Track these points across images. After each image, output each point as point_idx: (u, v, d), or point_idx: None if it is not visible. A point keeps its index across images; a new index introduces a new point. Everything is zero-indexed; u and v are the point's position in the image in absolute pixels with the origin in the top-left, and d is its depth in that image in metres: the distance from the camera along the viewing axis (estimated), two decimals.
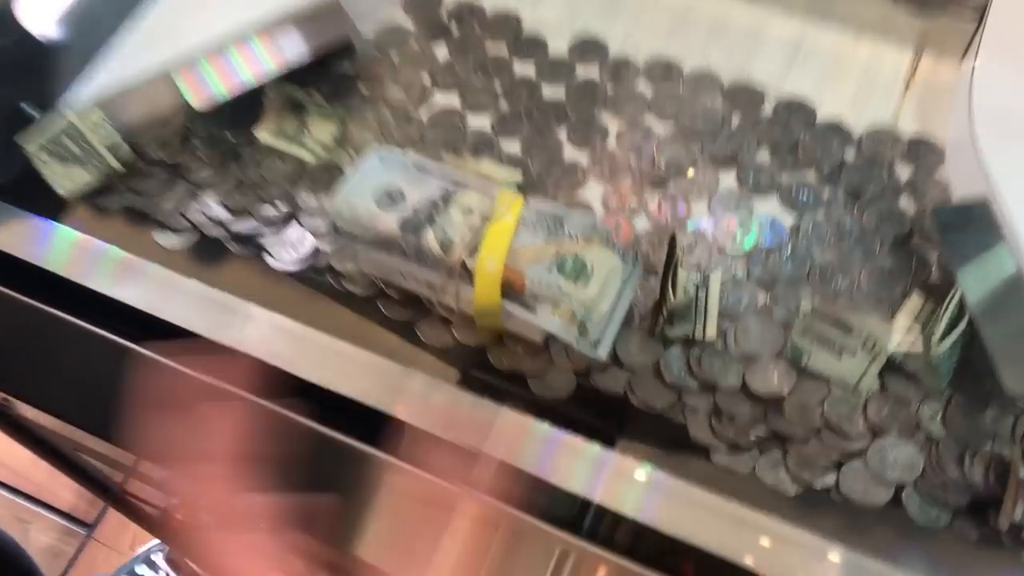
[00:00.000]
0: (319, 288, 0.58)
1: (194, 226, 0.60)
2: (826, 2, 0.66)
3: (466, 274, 0.52)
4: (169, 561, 1.32)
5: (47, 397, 0.58)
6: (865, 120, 0.62)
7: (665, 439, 0.52)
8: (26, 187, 0.60)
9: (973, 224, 0.54)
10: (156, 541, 1.33)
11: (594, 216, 0.54)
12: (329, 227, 0.54)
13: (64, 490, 1.44)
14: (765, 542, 0.46)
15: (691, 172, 0.60)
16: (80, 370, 0.57)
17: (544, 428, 0.50)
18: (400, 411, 0.51)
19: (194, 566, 1.20)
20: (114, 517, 1.44)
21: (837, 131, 0.62)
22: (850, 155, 0.61)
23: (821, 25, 0.67)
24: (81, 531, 1.44)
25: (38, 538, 1.43)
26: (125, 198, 0.62)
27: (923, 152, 0.61)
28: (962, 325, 0.51)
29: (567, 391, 0.53)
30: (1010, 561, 0.48)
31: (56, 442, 0.77)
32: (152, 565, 1.32)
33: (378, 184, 0.54)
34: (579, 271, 0.51)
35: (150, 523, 0.88)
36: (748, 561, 0.45)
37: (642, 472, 0.48)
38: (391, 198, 0.54)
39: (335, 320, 0.57)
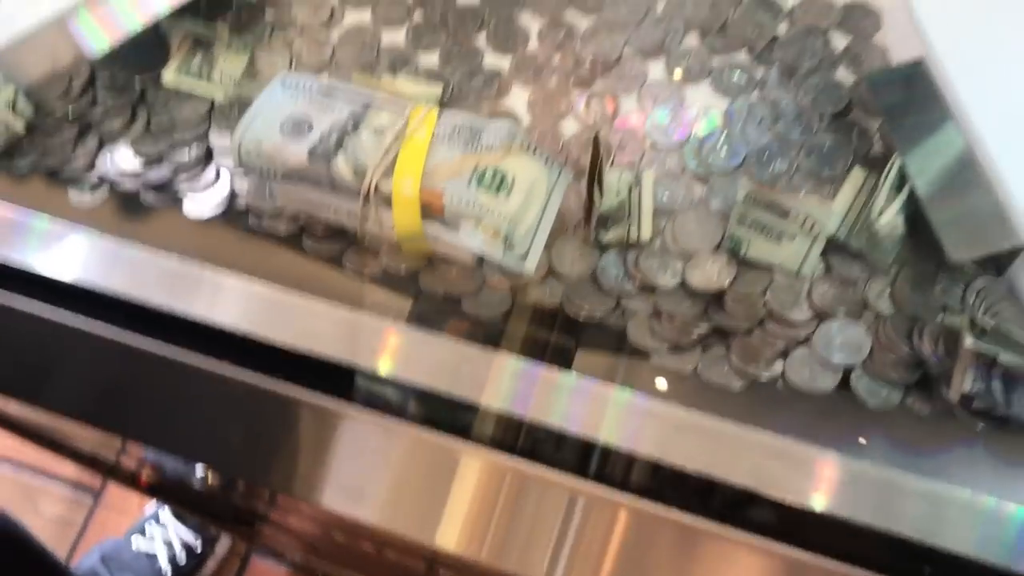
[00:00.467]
0: (242, 231, 0.56)
1: (107, 181, 0.58)
2: None
3: (383, 198, 0.50)
4: (176, 515, 1.33)
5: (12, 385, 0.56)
6: None
7: (607, 347, 0.51)
8: None
9: (910, 87, 0.51)
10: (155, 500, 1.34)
11: (513, 124, 0.51)
12: (236, 164, 0.52)
13: (68, 460, 1.45)
14: (713, 445, 0.45)
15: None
16: (26, 349, 0.55)
17: (470, 350, 0.48)
18: (340, 352, 0.49)
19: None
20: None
21: (766, 5, 0.58)
22: (782, 29, 0.58)
23: None
24: (88, 499, 1.45)
25: (47, 509, 1.44)
26: (34, 158, 0.59)
27: (858, 17, 0.58)
28: (903, 195, 0.49)
29: (502, 309, 0.51)
30: (964, 432, 0.46)
31: (39, 429, 0.76)
32: (159, 521, 1.34)
33: (283, 113, 0.52)
34: (499, 183, 0.49)
35: (138, 485, 0.88)
36: (696, 467, 0.44)
37: (567, 381, 0.46)
38: (297, 127, 0.51)
39: (262, 263, 0.55)
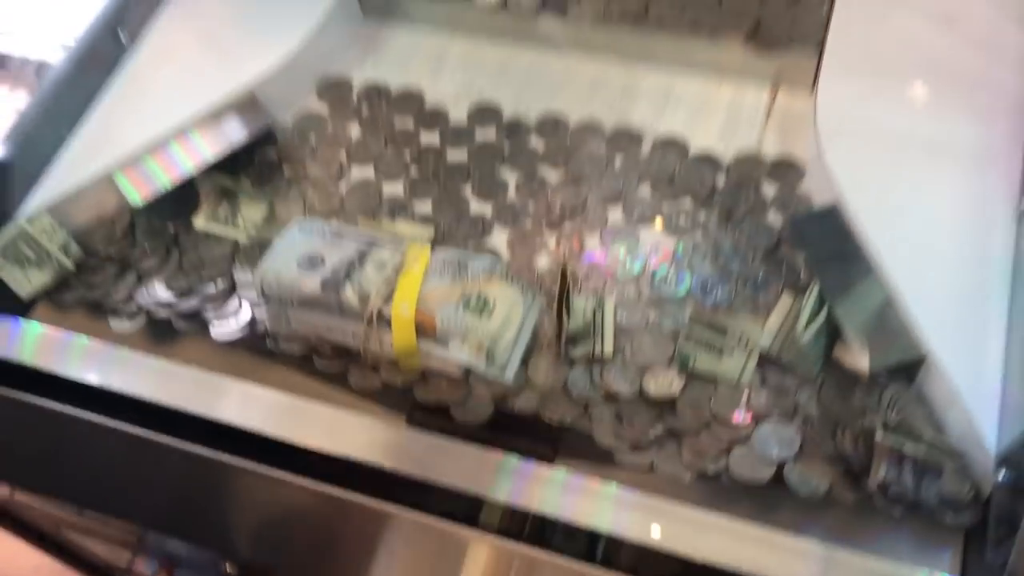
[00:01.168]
0: (261, 352, 0.65)
1: (144, 310, 0.67)
2: (687, 52, 0.73)
3: (384, 321, 0.59)
4: None
5: (43, 482, 0.63)
6: (733, 149, 0.70)
7: (577, 448, 0.58)
8: None
9: (825, 226, 0.62)
10: None
11: (495, 258, 0.61)
12: (256, 294, 0.61)
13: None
14: (666, 523, 0.52)
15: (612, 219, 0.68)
16: (69, 451, 0.62)
17: (466, 448, 0.56)
18: (347, 451, 0.57)
19: None
20: None
21: (708, 161, 0.70)
22: (721, 181, 0.69)
23: (686, 75, 0.74)
24: None
25: None
26: (80, 292, 0.68)
27: (785, 171, 0.69)
28: (822, 315, 0.58)
29: (486, 415, 0.59)
30: (884, 518, 0.54)
31: (59, 532, 0.82)
32: None
33: (300, 252, 0.61)
34: (483, 307, 0.58)
35: None
36: (653, 538, 0.51)
37: (556, 475, 0.54)
38: (312, 263, 0.60)
39: (278, 379, 0.63)
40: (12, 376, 0.63)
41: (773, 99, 0.72)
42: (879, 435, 0.53)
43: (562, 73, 0.76)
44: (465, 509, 0.54)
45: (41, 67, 0.77)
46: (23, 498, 0.79)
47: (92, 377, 0.62)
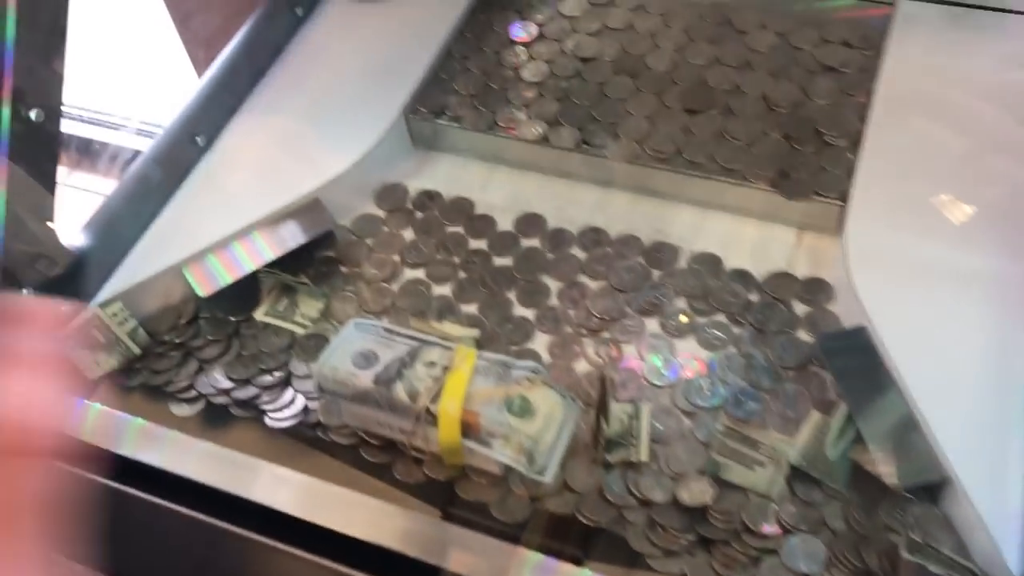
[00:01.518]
0: (311, 441, 0.68)
1: (203, 396, 0.71)
2: (717, 194, 0.77)
3: (431, 418, 0.62)
4: None
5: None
6: (765, 268, 0.74)
7: (610, 550, 0.61)
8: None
9: (854, 347, 0.65)
10: None
11: (537, 364, 0.64)
12: (315, 387, 0.65)
13: None
14: None
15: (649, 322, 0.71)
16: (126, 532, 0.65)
17: (501, 546, 0.58)
18: (387, 542, 0.59)
19: None
20: None
21: (742, 278, 0.73)
22: (755, 297, 0.72)
23: (716, 213, 0.78)
24: None
25: None
26: (144, 377, 0.72)
27: (816, 290, 0.72)
28: (850, 433, 0.61)
29: (523, 515, 0.62)
30: None
31: None
32: None
33: (355, 348, 0.65)
34: (525, 409, 0.61)
35: None
36: None
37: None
38: (366, 359, 0.64)
39: (326, 468, 0.67)
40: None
41: (799, 239, 0.76)
42: (904, 553, 0.55)
43: (601, 199, 0.81)
44: None
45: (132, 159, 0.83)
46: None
47: (144, 456, 0.65)
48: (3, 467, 0.33)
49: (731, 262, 0.75)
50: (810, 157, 0.76)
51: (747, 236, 0.76)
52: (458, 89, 0.86)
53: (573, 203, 0.80)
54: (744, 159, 0.76)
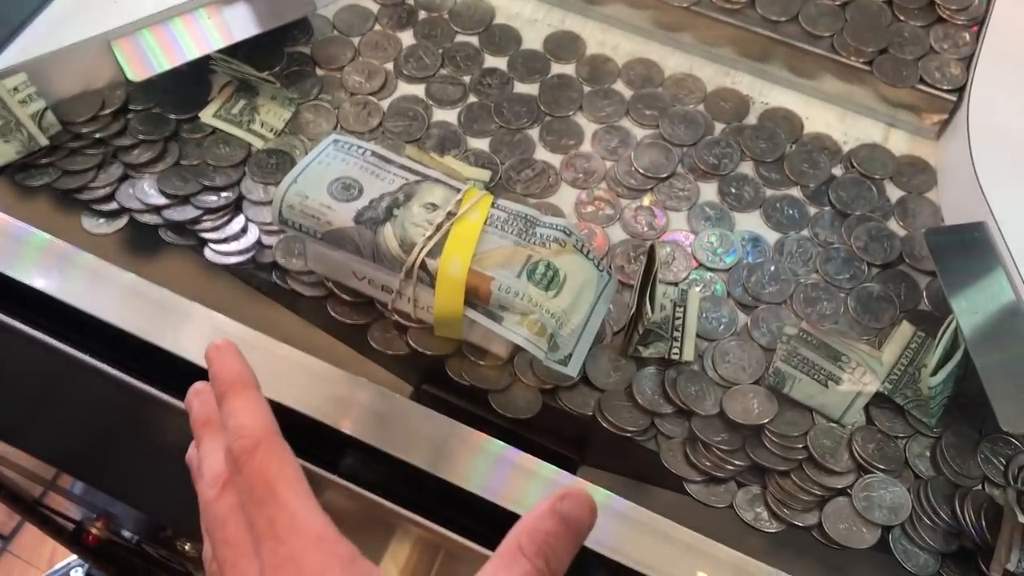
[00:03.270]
0: (261, 285, 0.53)
1: (127, 211, 0.55)
2: (790, 63, 0.62)
3: (426, 276, 0.47)
4: None
5: None
6: (854, 136, 0.59)
7: (634, 466, 0.48)
8: None
9: (969, 249, 0.51)
10: (75, 556, 1.25)
11: (569, 222, 0.49)
12: (275, 217, 0.49)
13: None
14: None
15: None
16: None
17: (502, 447, 0.45)
18: (347, 425, 0.46)
19: None
20: (32, 529, 1.35)
21: (825, 145, 0.59)
22: (838, 171, 0.58)
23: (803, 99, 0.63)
24: None
25: None
26: (51, 176, 0.56)
27: (914, 172, 0.58)
28: (957, 357, 0.48)
29: (532, 410, 0.49)
30: None
31: None
32: None
33: (333, 173, 0.49)
34: (551, 279, 0.47)
35: (67, 538, 0.81)
36: None
37: (599, 496, 0.44)
38: (347, 189, 0.49)
39: (278, 321, 0.52)
40: None
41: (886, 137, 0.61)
42: (1019, 515, 0.43)
43: (659, 33, 0.64)
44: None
45: None
46: None
47: (42, 281, 0.50)
48: None
49: (813, 125, 0.60)
50: (919, 34, 0.60)
51: (835, 101, 0.61)
52: None
53: (621, 26, 0.63)
54: (833, 25, 0.60)
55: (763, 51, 0.61)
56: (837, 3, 0.61)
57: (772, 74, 0.62)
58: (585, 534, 0.33)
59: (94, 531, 0.68)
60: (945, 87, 0.58)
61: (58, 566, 1.26)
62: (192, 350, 0.47)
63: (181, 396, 0.42)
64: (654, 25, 0.63)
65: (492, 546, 0.33)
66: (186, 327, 0.48)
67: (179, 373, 0.45)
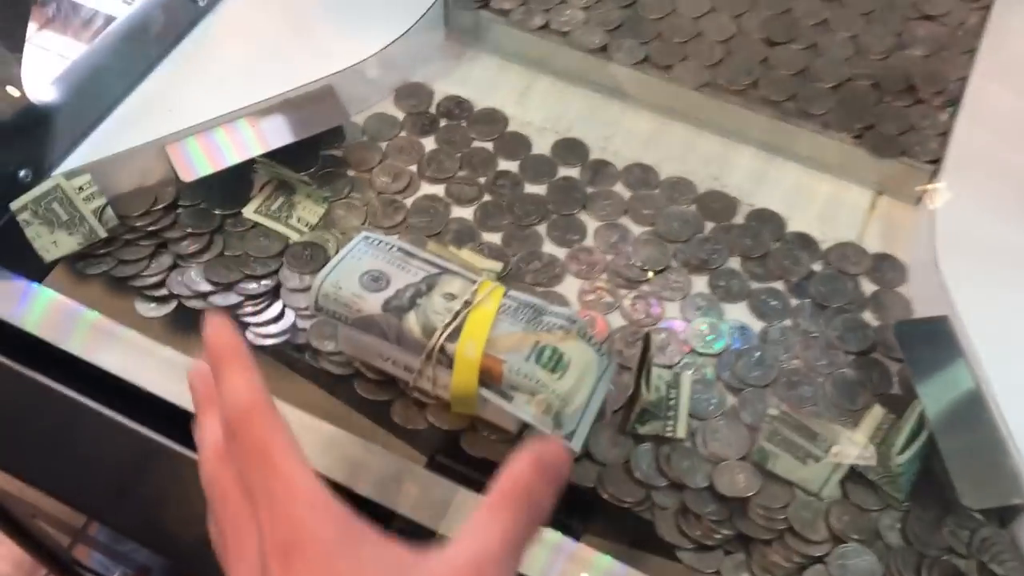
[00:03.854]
0: (295, 365, 0.59)
1: (176, 296, 0.61)
2: (788, 140, 0.69)
3: (444, 359, 0.53)
4: None
5: (13, 458, 0.57)
6: (832, 236, 0.65)
7: (631, 535, 0.53)
8: (11, 249, 0.60)
9: (934, 340, 0.56)
10: None
11: (574, 312, 0.55)
12: (311, 305, 0.55)
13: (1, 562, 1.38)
14: None
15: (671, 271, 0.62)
16: (51, 432, 0.56)
17: None
18: (365, 489, 0.51)
19: None
20: None
21: (806, 243, 0.65)
22: (817, 267, 0.64)
23: (780, 164, 0.69)
24: None
25: None
26: (108, 265, 0.62)
27: (886, 269, 0.64)
28: (922, 438, 0.53)
29: None
30: None
31: (10, 506, 0.75)
32: None
33: (364, 266, 0.55)
34: (556, 362, 0.52)
35: None
36: None
37: (602, 562, 0.48)
38: (376, 280, 0.55)
39: (309, 397, 0.57)
40: (13, 344, 0.56)
41: (875, 203, 0.67)
42: None
43: (656, 131, 0.71)
44: None
45: (108, 21, 0.71)
46: None
47: (97, 356, 0.55)
48: None
49: (795, 224, 0.66)
50: (901, 112, 0.67)
51: (816, 195, 0.67)
52: None
53: (622, 132, 0.71)
54: (826, 104, 0.67)
55: (752, 125, 0.68)
56: (829, 85, 0.69)
57: (765, 145, 0.69)
58: (563, 481, 0.36)
59: None
60: (925, 159, 0.65)
61: None
62: None
63: None
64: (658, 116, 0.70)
65: None
66: None
67: None
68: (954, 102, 0.67)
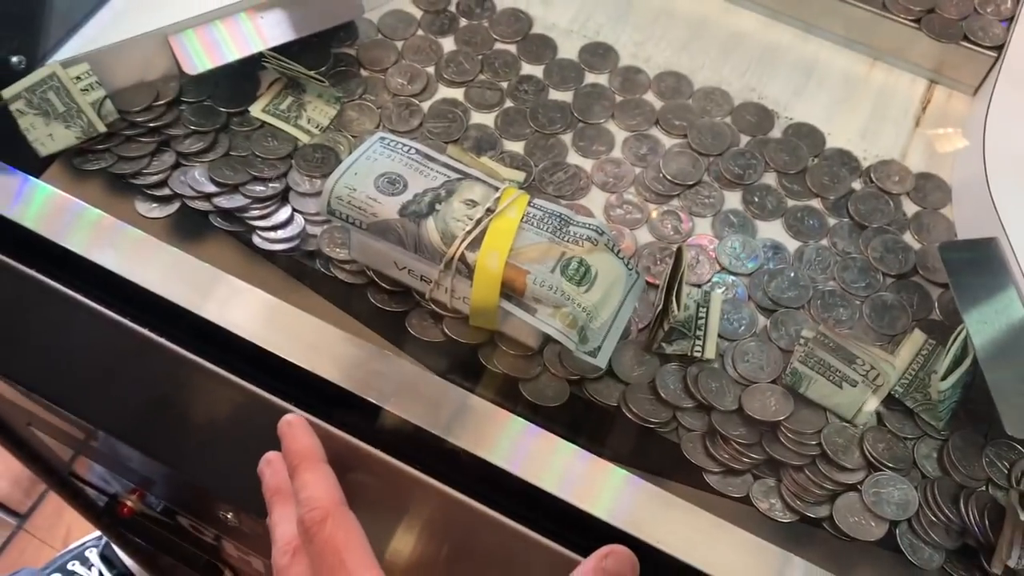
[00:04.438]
0: (304, 272, 0.56)
1: (179, 196, 0.57)
2: (845, 25, 0.65)
3: (464, 268, 0.50)
4: (103, 558, 1.26)
5: (9, 362, 0.54)
6: (874, 152, 0.62)
7: (656, 458, 0.50)
8: (3, 142, 0.57)
9: (982, 264, 0.53)
10: (91, 536, 1.28)
11: (603, 223, 0.52)
12: (323, 208, 0.52)
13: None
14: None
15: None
16: (48, 335, 0.53)
17: (525, 424, 0.47)
18: (381, 399, 0.48)
19: (132, 562, 1.15)
20: (49, 508, 1.38)
21: (846, 160, 0.61)
22: (857, 185, 0.60)
23: (836, 49, 0.66)
24: (11, 520, 1.37)
25: None
26: (107, 161, 0.58)
27: (930, 188, 0.60)
28: (965, 365, 0.50)
29: (560, 399, 0.51)
30: None
31: (8, 413, 0.73)
32: (85, 561, 1.27)
33: (380, 168, 0.52)
34: (583, 275, 0.49)
35: (97, 512, 0.83)
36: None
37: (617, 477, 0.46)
38: (392, 184, 0.51)
39: (320, 306, 0.54)
40: (7, 239, 0.53)
41: (928, 97, 0.64)
42: (1020, 514, 0.46)
43: (691, 37, 0.67)
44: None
45: None
46: None
47: (96, 254, 0.52)
48: None
49: (835, 140, 0.62)
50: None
51: (859, 107, 0.64)
52: None
53: (654, 37, 0.66)
54: None
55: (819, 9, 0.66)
56: None
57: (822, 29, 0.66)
58: None
59: (129, 503, 0.71)
60: (986, 44, 0.63)
61: (73, 545, 1.28)
62: (236, 322, 0.49)
63: (220, 365, 0.46)
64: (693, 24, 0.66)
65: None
66: (231, 300, 0.50)
67: (220, 343, 0.48)
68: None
